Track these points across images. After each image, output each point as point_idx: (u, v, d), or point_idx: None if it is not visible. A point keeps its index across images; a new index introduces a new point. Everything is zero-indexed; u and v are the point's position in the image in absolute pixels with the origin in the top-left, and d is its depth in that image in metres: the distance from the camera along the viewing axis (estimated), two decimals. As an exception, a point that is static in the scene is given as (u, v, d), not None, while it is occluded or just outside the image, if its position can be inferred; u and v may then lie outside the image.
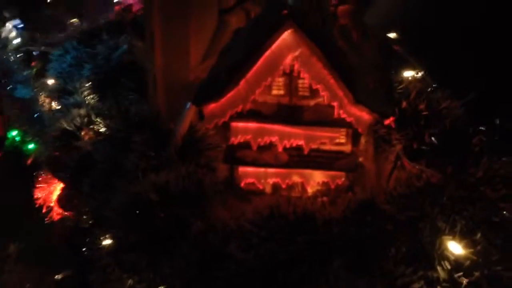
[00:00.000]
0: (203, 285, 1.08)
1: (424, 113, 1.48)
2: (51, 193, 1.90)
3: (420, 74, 1.71)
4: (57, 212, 1.88)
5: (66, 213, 1.81)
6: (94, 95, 1.89)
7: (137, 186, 1.22)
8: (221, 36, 1.62)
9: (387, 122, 1.26)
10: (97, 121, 1.67)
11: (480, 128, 1.47)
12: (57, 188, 1.86)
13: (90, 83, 1.92)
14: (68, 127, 1.71)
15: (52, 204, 1.89)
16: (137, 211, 1.16)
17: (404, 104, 1.49)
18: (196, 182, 1.24)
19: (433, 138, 1.44)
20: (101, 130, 1.63)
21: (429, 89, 1.59)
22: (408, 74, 1.71)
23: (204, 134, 1.37)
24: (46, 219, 1.89)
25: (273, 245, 1.10)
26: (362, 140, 1.36)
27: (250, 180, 1.32)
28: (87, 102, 1.84)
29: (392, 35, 1.87)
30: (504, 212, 1.22)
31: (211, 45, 1.60)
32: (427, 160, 1.40)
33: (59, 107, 1.91)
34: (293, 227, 1.14)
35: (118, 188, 1.30)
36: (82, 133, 1.66)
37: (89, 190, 1.47)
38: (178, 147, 1.38)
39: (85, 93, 1.91)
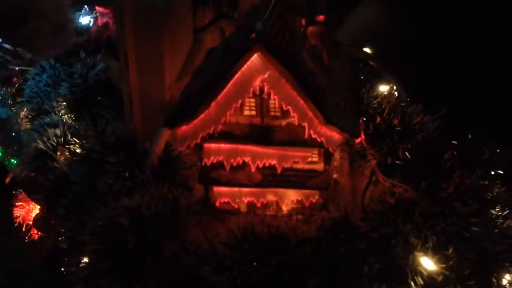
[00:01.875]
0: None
1: (398, 128, 1.50)
2: (30, 211, 1.88)
3: (394, 88, 1.74)
4: (36, 231, 1.86)
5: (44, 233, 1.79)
6: (70, 114, 1.89)
7: (109, 210, 1.22)
8: (197, 55, 1.64)
9: (358, 141, 1.27)
10: (73, 141, 1.66)
11: (453, 142, 1.50)
12: (36, 206, 1.84)
13: (66, 102, 1.91)
14: (43, 147, 1.69)
15: (31, 223, 1.87)
16: (109, 237, 1.15)
17: (378, 119, 1.51)
18: (171, 204, 1.24)
19: (406, 153, 1.46)
20: (77, 151, 1.62)
21: (402, 104, 1.61)
22: (383, 89, 1.74)
23: (180, 154, 1.37)
24: (26, 238, 1.86)
25: (246, 267, 1.10)
26: (337, 156, 1.37)
27: (225, 199, 1.32)
28: (63, 121, 1.82)
29: (367, 50, 1.89)
30: (475, 228, 1.24)
31: (186, 64, 1.61)
32: (401, 175, 1.42)
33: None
34: (267, 248, 1.15)
35: (92, 211, 1.30)
36: (58, 154, 1.64)
37: (64, 212, 1.46)
38: (153, 167, 1.38)
39: (62, 112, 1.90)
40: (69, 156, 1.62)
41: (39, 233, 1.82)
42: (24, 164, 1.77)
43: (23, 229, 1.86)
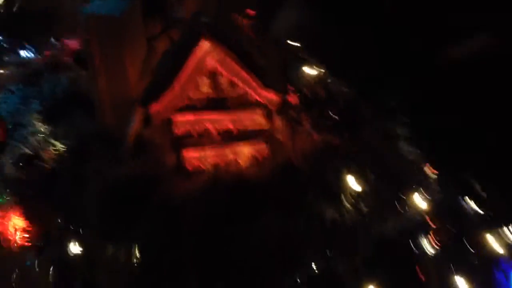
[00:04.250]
0: (166, 243, 1.40)
1: (323, 96, 1.91)
2: (6, 222, 2.03)
3: (319, 70, 2.17)
4: (16, 242, 2.02)
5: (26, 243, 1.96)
6: (45, 125, 2.13)
7: (103, 179, 1.52)
8: (152, 59, 1.97)
9: (290, 99, 1.66)
10: (55, 143, 1.93)
11: (367, 103, 1.93)
12: (13, 218, 2.00)
13: (40, 115, 2.15)
14: (27, 151, 1.94)
15: (9, 235, 2.03)
16: (105, 197, 1.46)
17: (307, 91, 1.91)
18: (149, 169, 1.56)
19: (332, 114, 1.87)
20: (60, 149, 1.89)
21: (326, 80, 2.03)
22: (309, 71, 2.16)
23: (150, 138, 1.70)
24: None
25: (215, 204, 1.45)
26: (279, 122, 1.75)
27: (194, 163, 1.65)
28: (41, 130, 2.07)
29: (295, 43, 2.32)
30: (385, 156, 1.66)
31: (144, 66, 1.94)
32: (330, 131, 1.82)
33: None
34: (230, 189, 1.50)
35: (87, 185, 1.58)
36: (43, 153, 1.90)
37: (59, 198, 1.72)
38: (129, 149, 1.69)
39: (38, 124, 2.14)
40: (54, 155, 1.88)
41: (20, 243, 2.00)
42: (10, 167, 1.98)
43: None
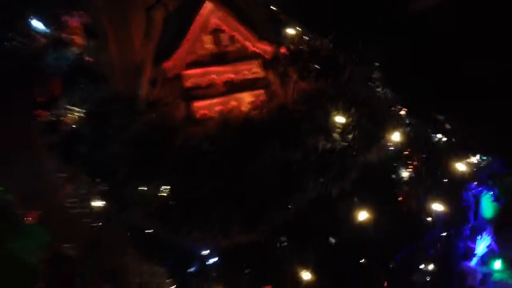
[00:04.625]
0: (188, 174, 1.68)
1: (306, 50, 2.20)
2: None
3: (299, 29, 2.45)
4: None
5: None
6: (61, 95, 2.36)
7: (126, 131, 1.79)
8: (152, 27, 2.21)
9: (282, 51, 1.93)
10: (73, 108, 2.16)
11: (344, 52, 2.22)
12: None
13: (52, 86, 2.38)
14: (50, 119, 2.17)
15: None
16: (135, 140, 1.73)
17: (292, 47, 2.20)
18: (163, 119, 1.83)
19: (315, 65, 2.16)
20: (79, 114, 2.13)
21: (306, 36, 2.32)
22: (291, 31, 2.44)
23: (158, 97, 1.96)
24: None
25: (228, 140, 1.73)
26: (271, 76, 2.03)
27: (203, 111, 1.92)
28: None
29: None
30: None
31: (145, 35, 2.18)
32: (314, 78, 2.11)
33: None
34: (239, 129, 1.78)
35: (111, 138, 1.84)
36: (65, 118, 2.14)
37: (87, 151, 1.97)
38: (144, 106, 1.95)
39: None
40: (76, 118, 2.12)
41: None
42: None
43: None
